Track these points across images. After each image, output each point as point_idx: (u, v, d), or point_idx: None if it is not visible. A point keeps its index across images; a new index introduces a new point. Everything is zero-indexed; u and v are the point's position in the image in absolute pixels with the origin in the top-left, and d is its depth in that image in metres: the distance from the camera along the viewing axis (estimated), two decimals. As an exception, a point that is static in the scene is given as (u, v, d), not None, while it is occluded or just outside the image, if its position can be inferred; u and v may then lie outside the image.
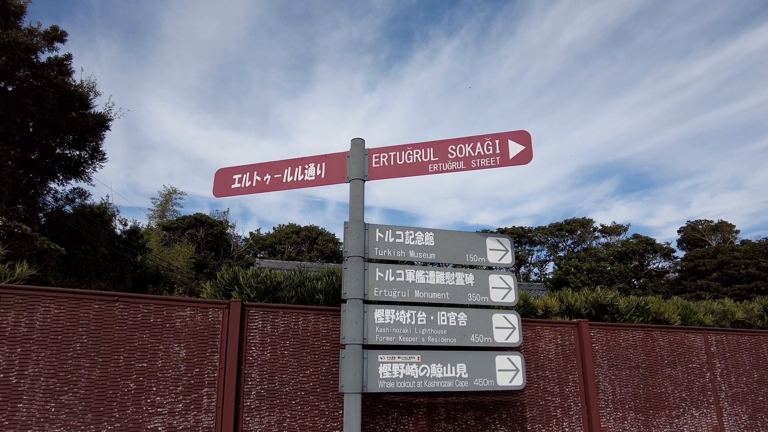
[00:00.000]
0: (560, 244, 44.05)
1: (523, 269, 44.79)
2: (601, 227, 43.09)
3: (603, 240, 43.15)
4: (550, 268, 43.94)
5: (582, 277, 34.69)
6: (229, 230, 41.21)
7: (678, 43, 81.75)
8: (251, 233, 45.20)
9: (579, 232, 43.03)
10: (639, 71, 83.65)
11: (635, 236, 40.04)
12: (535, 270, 45.27)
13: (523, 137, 4.14)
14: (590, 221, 43.17)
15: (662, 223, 71.40)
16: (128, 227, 26.19)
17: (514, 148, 4.14)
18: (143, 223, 37.73)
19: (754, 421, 5.84)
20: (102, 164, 18.68)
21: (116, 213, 25.24)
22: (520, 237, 43.96)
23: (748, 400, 5.91)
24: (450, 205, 79.91)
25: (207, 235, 37.10)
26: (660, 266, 39.50)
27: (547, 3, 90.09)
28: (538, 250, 45.33)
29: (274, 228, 45.76)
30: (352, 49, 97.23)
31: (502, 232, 42.16)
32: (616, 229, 42.60)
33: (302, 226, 44.08)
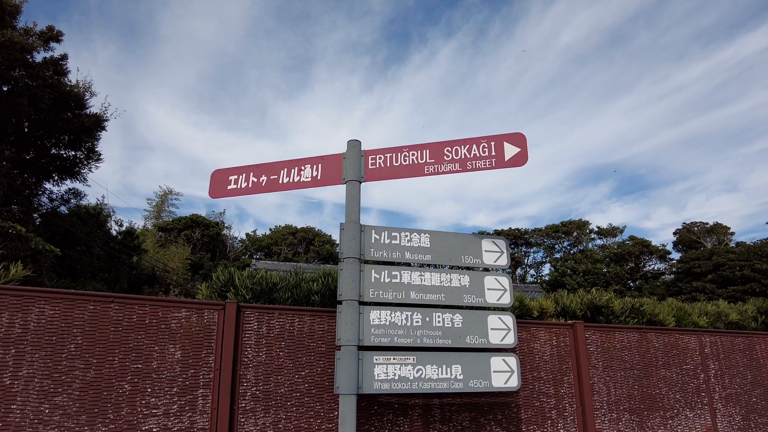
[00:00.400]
0: (556, 246, 44.18)
1: (519, 271, 44.88)
2: (597, 229, 43.27)
3: (599, 242, 43.31)
4: (546, 269, 44.05)
5: (578, 278, 34.81)
6: (225, 231, 41.15)
7: (674, 45, 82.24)
8: (247, 234, 45.15)
9: (575, 233, 43.18)
10: (636, 73, 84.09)
11: (631, 238, 40.23)
12: (532, 271, 45.38)
13: (518, 139, 4.15)
14: (586, 223, 43.35)
15: (659, 225, 71.79)
16: (124, 228, 26.14)
17: (510, 150, 4.15)
18: (139, 224, 37.59)
19: (747, 422, 5.87)
20: (98, 165, 18.64)
21: (112, 214, 25.19)
22: (516, 239, 44.05)
23: (742, 401, 5.94)
24: (447, 207, 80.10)
25: (203, 236, 37.02)
26: (656, 268, 39.67)
27: (544, 5, 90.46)
28: (534, 252, 45.46)
29: (270, 229, 45.72)
30: (350, 51, 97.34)
31: (498, 233, 42.25)
32: (612, 231, 42.77)
33: (299, 227, 44.06)
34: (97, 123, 17.69)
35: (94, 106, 18.63)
